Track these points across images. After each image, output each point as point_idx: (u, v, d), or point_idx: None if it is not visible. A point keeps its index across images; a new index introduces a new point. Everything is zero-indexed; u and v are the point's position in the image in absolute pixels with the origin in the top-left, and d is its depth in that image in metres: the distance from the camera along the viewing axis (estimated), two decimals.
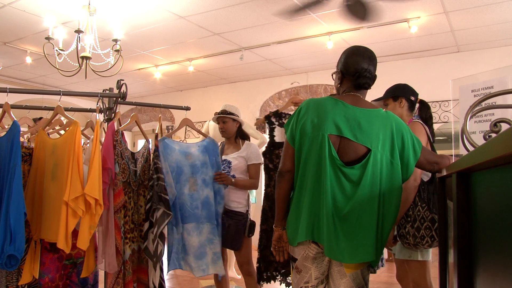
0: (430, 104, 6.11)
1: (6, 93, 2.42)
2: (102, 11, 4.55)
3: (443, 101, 6.17)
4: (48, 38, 4.05)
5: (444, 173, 1.69)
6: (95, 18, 4.36)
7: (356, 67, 1.88)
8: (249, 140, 3.41)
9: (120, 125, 2.79)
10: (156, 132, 2.94)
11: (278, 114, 3.43)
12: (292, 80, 7.38)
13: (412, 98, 2.68)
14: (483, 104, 1.64)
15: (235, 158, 3.24)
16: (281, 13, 4.70)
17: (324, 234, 1.75)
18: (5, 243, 2.10)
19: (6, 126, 3.37)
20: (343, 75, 1.94)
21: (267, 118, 3.44)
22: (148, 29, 5.41)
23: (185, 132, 8.09)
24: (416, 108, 2.77)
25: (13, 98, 2.47)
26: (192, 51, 6.34)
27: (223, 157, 3.27)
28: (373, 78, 1.93)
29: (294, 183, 1.91)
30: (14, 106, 2.53)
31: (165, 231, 2.63)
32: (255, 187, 3.26)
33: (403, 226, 2.40)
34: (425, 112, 2.80)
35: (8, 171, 2.19)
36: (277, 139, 3.38)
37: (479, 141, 1.37)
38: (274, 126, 3.41)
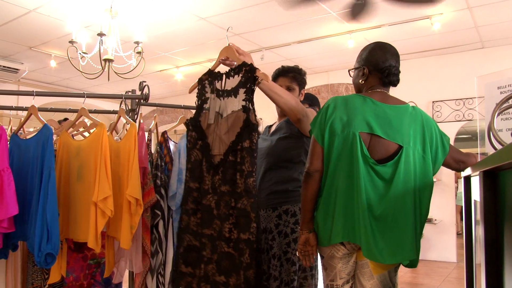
0: (454, 102, 6.07)
1: (32, 96, 2.46)
2: (123, 14, 4.61)
3: (467, 98, 6.07)
4: (71, 42, 4.12)
5: (470, 172, 1.66)
6: (117, 21, 4.42)
7: (386, 64, 1.86)
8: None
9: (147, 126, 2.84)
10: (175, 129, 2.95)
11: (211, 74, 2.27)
12: (313, 80, 7.34)
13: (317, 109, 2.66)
14: (510, 101, 1.60)
15: None
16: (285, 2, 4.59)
17: (361, 234, 1.72)
18: (42, 242, 2.15)
19: (32, 129, 3.44)
20: (370, 72, 1.90)
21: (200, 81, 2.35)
22: (168, 31, 5.46)
23: None
24: None
25: (38, 101, 2.51)
26: (212, 52, 6.37)
27: None
28: (399, 75, 1.92)
29: (323, 183, 1.85)
30: (39, 109, 2.58)
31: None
32: None
33: None
34: None
35: (41, 173, 2.24)
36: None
37: (507, 139, 1.34)
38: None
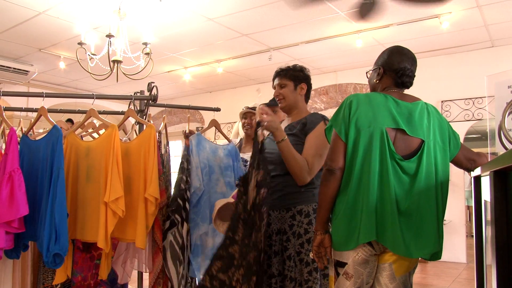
0: (463, 101, 6.03)
1: (42, 98, 2.48)
2: (132, 15, 4.63)
3: (476, 98, 6.02)
4: (80, 44, 4.15)
5: (480, 172, 1.65)
6: (125, 22, 4.44)
7: (401, 66, 1.88)
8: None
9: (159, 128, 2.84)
10: (186, 131, 2.92)
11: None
12: (321, 80, 7.33)
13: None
14: None
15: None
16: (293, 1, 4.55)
17: (389, 231, 1.70)
18: (50, 242, 2.17)
19: (41, 130, 3.47)
20: (384, 72, 1.92)
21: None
22: (177, 32, 5.48)
23: (215, 134, 8.17)
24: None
25: (48, 102, 2.53)
26: (220, 53, 6.38)
27: (241, 154, 3.16)
28: (413, 78, 1.94)
29: (346, 181, 1.80)
30: (49, 110, 2.60)
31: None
32: None
33: None
34: None
35: (51, 174, 2.26)
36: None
37: None
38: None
